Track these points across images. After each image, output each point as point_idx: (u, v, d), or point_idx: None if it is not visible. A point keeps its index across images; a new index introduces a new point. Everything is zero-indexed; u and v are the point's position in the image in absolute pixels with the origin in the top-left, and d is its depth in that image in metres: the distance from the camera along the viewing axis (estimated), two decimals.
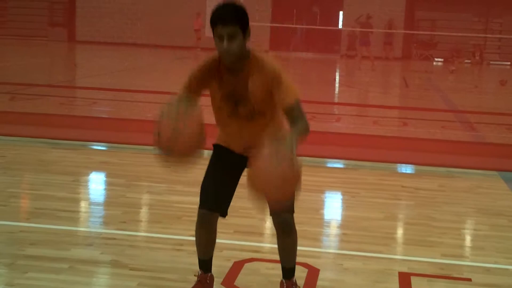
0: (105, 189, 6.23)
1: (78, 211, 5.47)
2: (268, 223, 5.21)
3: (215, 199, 3.67)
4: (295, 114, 3.38)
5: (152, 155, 7.49)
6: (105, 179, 6.56)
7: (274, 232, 3.77)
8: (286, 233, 3.70)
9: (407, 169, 7.59)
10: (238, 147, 3.70)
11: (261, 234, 5.03)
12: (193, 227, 5.20)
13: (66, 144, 7.85)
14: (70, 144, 7.85)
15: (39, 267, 4.23)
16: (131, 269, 4.28)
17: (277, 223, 3.68)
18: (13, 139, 7.99)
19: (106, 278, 4.18)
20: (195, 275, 3.91)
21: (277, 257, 3.89)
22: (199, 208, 3.69)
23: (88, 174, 6.70)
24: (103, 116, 10.38)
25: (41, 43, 28.16)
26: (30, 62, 19.51)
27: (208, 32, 26.81)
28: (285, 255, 3.79)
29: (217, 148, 3.77)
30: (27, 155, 7.30)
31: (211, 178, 3.71)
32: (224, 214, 3.74)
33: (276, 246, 3.82)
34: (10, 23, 29.65)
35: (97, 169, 6.93)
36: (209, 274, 3.87)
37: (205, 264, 3.86)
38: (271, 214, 3.68)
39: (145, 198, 6.03)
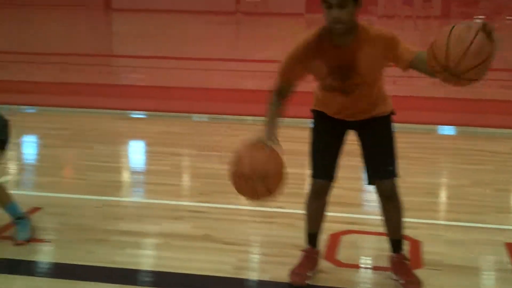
0: (179, 160, 6.09)
1: (158, 183, 5.34)
2: (358, 193, 5.07)
3: (326, 168, 3.56)
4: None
5: (216, 124, 7.43)
6: (176, 149, 6.41)
7: (366, 201, 3.62)
8: (391, 200, 3.55)
9: (479, 132, 7.33)
10: (336, 113, 3.53)
11: (352, 204, 4.86)
12: (277, 198, 5.11)
13: (121, 114, 7.77)
14: (122, 114, 7.77)
15: (135, 243, 4.14)
16: (226, 243, 4.16)
17: (380, 190, 3.53)
18: (73, 110, 7.89)
19: (204, 253, 4.04)
20: (301, 250, 3.77)
21: (373, 229, 3.75)
22: (312, 178, 3.55)
23: (156, 145, 6.56)
24: (170, 85, 10.00)
25: (76, 11, 27.98)
26: (70, 31, 19.42)
27: None
28: (391, 225, 3.63)
29: (315, 114, 3.61)
30: (90, 126, 7.20)
31: (318, 146, 3.59)
32: (333, 180, 3.60)
33: (370, 217, 3.68)
34: None
35: (163, 139, 6.79)
36: (317, 249, 3.75)
37: (314, 238, 3.73)
38: (371, 180, 3.54)
39: (221, 168, 5.85)
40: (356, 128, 3.56)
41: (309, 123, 3.67)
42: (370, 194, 4.25)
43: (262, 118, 3.39)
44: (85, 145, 6.49)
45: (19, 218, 4.18)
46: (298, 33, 3.83)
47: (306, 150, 3.64)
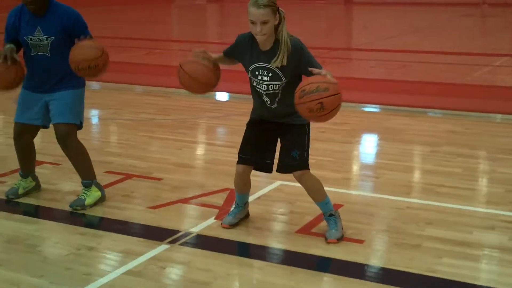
0: (471, 162, 5.70)
1: (457, 187, 5.02)
2: None
3: None
4: None
5: (494, 123, 6.93)
6: (464, 150, 6.03)
7: None
8: None
9: None
10: None
11: None
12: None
13: (403, 111, 7.53)
14: (407, 111, 7.52)
15: (451, 252, 3.87)
16: None
17: None
18: (354, 105, 7.79)
19: None
20: None
21: None
22: None
23: (441, 145, 6.22)
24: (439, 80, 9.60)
25: (319, 6, 28.38)
26: (313, 26, 19.70)
27: None
28: None
29: None
30: (368, 123, 7.06)
31: None
32: None
33: None
34: None
35: (448, 139, 6.43)
36: None
37: None
38: None
39: None
40: None
41: None
42: None
43: None
44: (371, 140, 6.36)
45: (331, 215, 4.11)
46: None
47: None
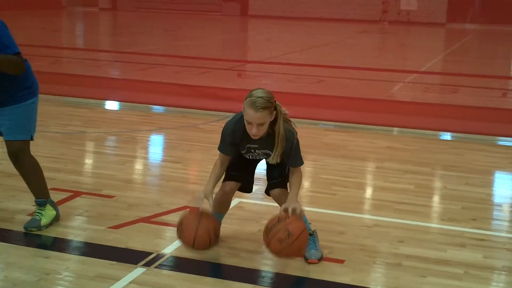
0: (416, 178, 5.80)
1: (415, 204, 5.07)
2: None
3: None
4: None
5: (429, 140, 7.13)
6: (405, 167, 6.13)
7: None
8: None
9: None
10: None
11: None
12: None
13: (336, 126, 7.60)
14: (340, 126, 7.59)
15: (432, 270, 3.90)
16: None
17: None
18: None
19: None
20: None
21: None
22: None
23: (385, 161, 6.31)
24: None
25: (215, 18, 28.38)
26: (217, 38, 19.67)
27: (403, 5, 26.21)
28: None
29: None
30: (308, 138, 7.06)
31: None
32: None
33: None
34: None
35: (389, 155, 6.54)
36: None
37: None
38: None
39: (471, 190, 5.50)
40: None
41: None
42: None
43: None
44: (315, 158, 6.33)
45: (310, 235, 4.03)
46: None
47: None
